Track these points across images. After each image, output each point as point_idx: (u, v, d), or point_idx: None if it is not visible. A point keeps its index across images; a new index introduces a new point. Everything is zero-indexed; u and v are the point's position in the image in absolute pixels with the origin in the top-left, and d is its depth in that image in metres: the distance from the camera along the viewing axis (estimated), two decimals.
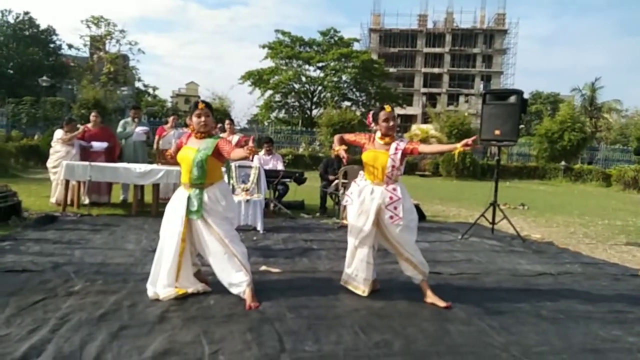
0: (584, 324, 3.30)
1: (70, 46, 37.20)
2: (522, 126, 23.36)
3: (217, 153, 3.40)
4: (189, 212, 3.40)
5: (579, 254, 5.81)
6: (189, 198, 3.40)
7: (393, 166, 3.60)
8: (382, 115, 3.66)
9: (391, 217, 3.56)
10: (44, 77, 25.18)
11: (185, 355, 2.50)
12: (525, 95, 6.68)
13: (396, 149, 3.62)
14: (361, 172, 3.86)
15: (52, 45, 37.03)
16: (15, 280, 3.58)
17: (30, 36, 35.52)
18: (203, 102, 3.50)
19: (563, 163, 22.82)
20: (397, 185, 3.64)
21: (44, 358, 2.38)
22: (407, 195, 3.66)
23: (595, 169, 22.75)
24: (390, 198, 3.57)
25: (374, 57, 45.23)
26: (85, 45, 35.53)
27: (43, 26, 36.78)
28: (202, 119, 3.42)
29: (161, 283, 3.36)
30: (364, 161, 3.74)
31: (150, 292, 3.37)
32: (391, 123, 3.64)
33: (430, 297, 3.58)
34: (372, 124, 3.74)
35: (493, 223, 6.73)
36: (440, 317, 3.30)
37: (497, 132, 6.55)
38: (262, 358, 2.51)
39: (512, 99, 6.55)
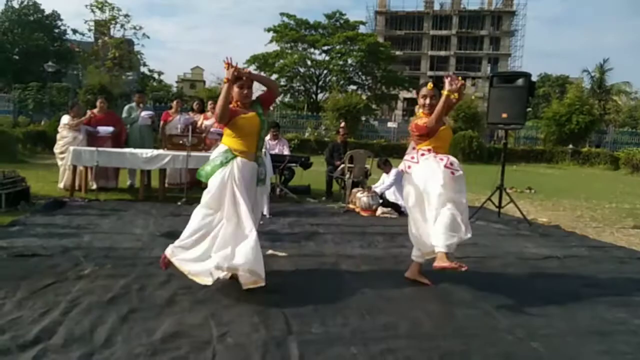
0: (590, 307, 3.31)
1: (75, 31, 37.11)
2: (529, 109, 23.16)
3: (264, 107, 3.49)
4: (258, 181, 3.39)
5: (585, 238, 5.80)
6: (258, 166, 3.38)
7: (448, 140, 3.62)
8: (422, 91, 3.58)
9: (452, 173, 3.36)
10: (50, 63, 25.19)
11: (193, 337, 2.54)
12: (534, 78, 6.61)
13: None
14: (412, 147, 3.71)
15: (56, 31, 36.91)
16: (26, 264, 3.63)
17: (35, 21, 35.41)
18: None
19: (571, 146, 22.65)
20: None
21: (55, 340, 2.42)
22: None
23: (603, 152, 22.58)
24: (442, 159, 3.41)
25: (380, 40, 44.78)
26: (89, 30, 35.38)
27: (47, 11, 36.68)
28: (245, 90, 3.37)
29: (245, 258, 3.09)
30: (437, 136, 3.49)
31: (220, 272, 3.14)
32: (428, 101, 3.53)
33: (417, 276, 3.62)
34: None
35: (499, 207, 6.71)
36: (446, 300, 3.32)
37: (504, 115, 6.50)
38: (269, 340, 2.54)
39: (520, 81, 6.48)
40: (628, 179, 16.68)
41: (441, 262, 3.20)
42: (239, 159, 3.30)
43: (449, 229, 3.23)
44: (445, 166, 3.39)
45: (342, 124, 8.82)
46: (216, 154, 3.38)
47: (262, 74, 38.70)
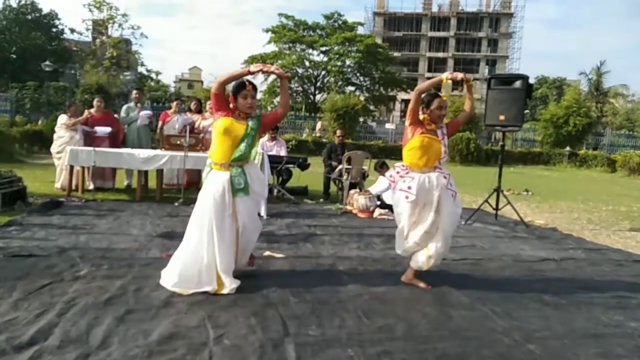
0: (586, 310, 3.32)
1: (72, 30, 36.97)
2: (527, 111, 23.18)
3: (262, 127, 3.46)
4: (235, 191, 3.33)
5: (582, 240, 5.81)
6: (231, 178, 3.32)
7: (445, 152, 3.62)
8: (436, 102, 3.59)
9: (452, 196, 3.57)
10: (47, 62, 25.12)
11: (190, 339, 2.54)
12: (531, 80, 6.64)
13: (443, 134, 3.62)
14: (399, 164, 3.73)
15: (54, 30, 36.79)
16: (22, 264, 3.62)
17: (33, 20, 35.28)
18: (250, 82, 3.34)
19: (568, 148, 22.70)
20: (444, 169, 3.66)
21: (51, 341, 2.41)
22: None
23: (600, 154, 22.65)
24: (445, 177, 3.57)
25: (378, 41, 44.80)
26: (87, 29, 35.29)
27: (45, 10, 36.58)
28: (249, 100, 3.32)
29: (212, 276, 3.26)
30: (414, 146, 3.57)
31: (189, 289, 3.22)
32: (443, 112, 3.59)
33: (412, 279, 3.69)
34: (421, 109, 3.65)
35: (497, 209, 6.73)
36: (442, 302, 3.33)
37: (501, 117, 6.51)
38: (266, 342, 2.54)
39: (517, 83, 6.50)
40: (625, 181, 16.74)
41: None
42: (213, 171, 3.39)
43: None
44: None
45: (338, 132, 8.77)
46: (205, 167, 3.50)
47: (260, 74, 38.72)
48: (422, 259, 3.62)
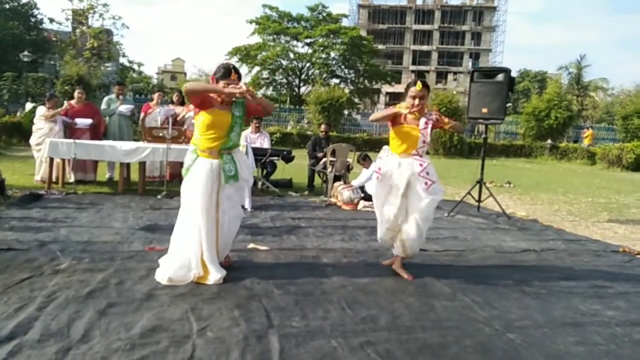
0: (565, 299, 3.38)
1: (51, 20, 36.13)
2: (509, 104, 23.40)
3: (247, 114, 3.48)
4: (226, 178, 3.36)
5: (562, 231, 5.91)
6: (222, 165, 3.35)
7: (424, 141, 3.62)
8: (410, 91, 3.61)
9: (426, 184, 3.55)
10: (26, 52, 24.56)
11: (173, 331, 2.52)
12: (513, 74, 6.70)
13: (425, 123, 3.62)
14: (385, 147, 3.85)
15: (33, 19, 35.97)
16: (1, 258, 3.55)
17: (11, 9, 34.43)
18: (235, 69, 3.34)
19: (549, 141, 23.02)
20: (426, 157, 3.67)
21: (31, 335, 2.38)
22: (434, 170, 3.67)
23: (580, 147, 23.00)
24: (420, 165, 3.58)
25: (363, 33, 44.78)
26: (67, 19, 34.57)
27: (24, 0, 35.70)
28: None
29: (197, 262, 3.27)
30: (393, 134, 3.69)
31: (179, 275, 3.24)
32: (417, 102, 3.59)
33: (398, 268, 3.73)
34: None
35: (479, 201, 6.80)
36: (425, 293, 3.36)
37: (484, 110, 6.57)
38: (250, 334, 2.54)
39: (500, 77, 6.56)
40: (604, 173, 17.05)
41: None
42: (200, 159, 3.36)
43: None
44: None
45: (323, 127, 8.74)
46: (187, 154, 3.43)
47: (244, 66, 38.50)
48: (397, 244, 3.71)
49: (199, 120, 3.35)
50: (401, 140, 3.65)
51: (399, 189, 3.58)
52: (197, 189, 3.30)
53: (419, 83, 3.59)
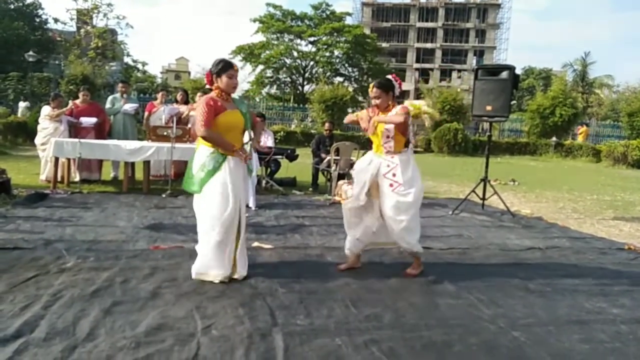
0: (570, 297, 3.37)
1: (56, 20, 36.21)
2: (513, 102, 23.28)
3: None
4: (249, 172, 3.52)
5: (567, 229, 5.89)
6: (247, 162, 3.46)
7: (388, 136, 3.61)
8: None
9: (391, 185, 3.56)
10: (31, 52, 24.65)
11: (178, 330, 2.53)
12: (518, 71, 6.66)
13: (390, 120, 3.63)
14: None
15: (38, 19, 36.12)
16: (7, 257, 3.58)
17: (16, 10, 34.59)
18: (234, 64, 3.44)
19: (554, 139, 22.90)
20: (398, 154, 3.63)
21: (37, 334, 2.40)
22: (411, 165, 3.63)
23: (585, 144, 22.87)
24: (387, 166, 3.59)
25: (367, 31, 44.70)
26: (71, 19, 34.61)
27: (28, 0, 35.84)
28: (234, 80, 3.39)
29: (230, 259, 3.33)
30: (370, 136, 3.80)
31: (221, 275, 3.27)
32: (373, 102, 3.72)
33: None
34: None
35: (483, 199, 6.78)
36: (429, 291, 3.36)
37: (488, 107, 6.54)
38: (254, 332, 2.55)
39: (504, 74, 6.53)
40: (609, 171, 16.95)
41: None
42: (230, 159, 3.33)
43: None
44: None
45: (327, 126, 8.73)
46: (202, 158, 3.31)
47: (248, 65, 38.54)
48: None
49: (220, 123, 3.31)
50: (372, 140, 3.76)
51: (362, 185, 3.61)
52: (237, 186, 3.31)
53: (371, 85, 3.72)
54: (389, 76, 3.80)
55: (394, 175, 3.57)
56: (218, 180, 3.27)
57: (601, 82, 41.70)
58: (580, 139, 23.69)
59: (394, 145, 3.63)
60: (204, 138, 3.30)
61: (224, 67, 3.35)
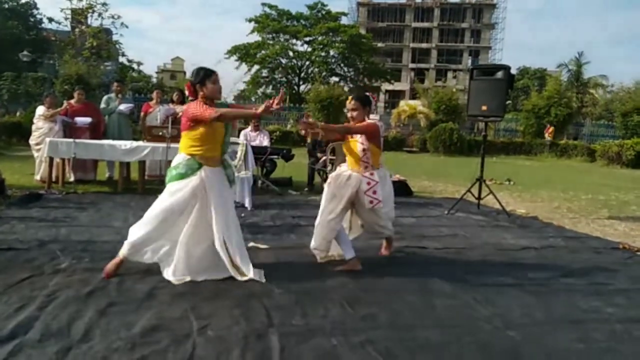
0: (565, 296, 3.38)
1: (50, 20, 36.02)
2: (509, 102, 23.34)
3: None
4: (230, 182, 3.47)
5: (562, 228, 5.91)
6: (226, 172, 3.43)
7: (364, 149, 3.65)
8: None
9: (371, 202, 3.64)
10: (25, 52, 24.54)
11: (173, 330, 2.52)
12: (513, 71, 6.68)
13: (362, 135, 3.70)
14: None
15: (32, 19, 35.96)
16: (1, 258, 3.56)
17: (10, 9, 34.42)
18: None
19: (549, 138, 22.98)
20: (376, 170, 3.70)
21: (31, 335, 2.38)
22: (387, 181, 3.76)
23: (580, 144, 22.96)
24: (368, 184, 3.64)
25: (362, 31, 44.71)
26: (66, 19, 34.44)
27: None
28: (218, 85, 3.35)
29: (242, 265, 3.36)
30: (345, 151, 3.84)
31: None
32: (349, 114, 3.77)
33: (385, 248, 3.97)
34: None
35: (479, 198, 6.80)
36: (425, 291, 3.36)
37: (484, 107, 6.56)
38: (250, 333, 2.54)
39: (500, 74, 6.55)
40: (604, 170, 17.03)
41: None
42: (206, 168, 3.29)
43: None
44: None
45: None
46: (180, 160, 3.31)
47: (244, 65, 38.44)
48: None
49: (197, 133, 3.25)
50: (349, 154, 3.76)
51: (341, 200, 3.66)
52: (215, 198, 3.29)
53: (350, 97, 3.77)
54: (367, 93, 3.89)
55: (374, 192, 3.63)
56: (187, 191, 3.26)
57: (596, 82, 41.82)
58: (547, 137, 23.61)
59: (371, 158, 3.68)
60: (218, 118, 3.20)
61: (207, 74, 3.29)
